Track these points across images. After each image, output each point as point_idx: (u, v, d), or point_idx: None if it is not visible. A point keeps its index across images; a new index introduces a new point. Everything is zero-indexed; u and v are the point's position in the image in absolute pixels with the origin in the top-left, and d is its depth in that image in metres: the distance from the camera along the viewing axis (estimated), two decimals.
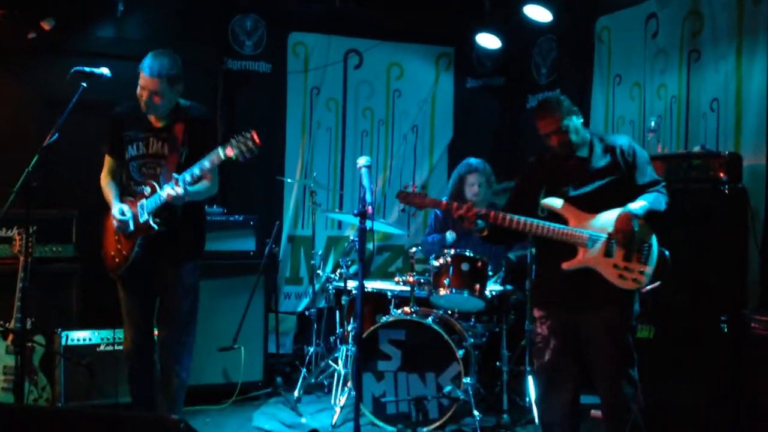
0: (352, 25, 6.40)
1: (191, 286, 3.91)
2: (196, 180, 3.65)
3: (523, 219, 3.48)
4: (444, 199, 3.69)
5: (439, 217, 5.34)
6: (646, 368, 4.12)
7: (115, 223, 3.74)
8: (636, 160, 3.49)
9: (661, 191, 3.47)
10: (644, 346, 4.20)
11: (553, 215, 3.49)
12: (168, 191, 3.59)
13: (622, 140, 3.56)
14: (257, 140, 3.49)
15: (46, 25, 5.20)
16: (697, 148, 4.35)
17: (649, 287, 3.38)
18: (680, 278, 4.08)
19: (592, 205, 3.44)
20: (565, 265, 3.45)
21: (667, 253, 3.42)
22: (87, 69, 3.56)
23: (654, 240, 3.40)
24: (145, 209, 3.70)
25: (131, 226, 3.72)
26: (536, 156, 3.76)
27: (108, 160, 3.94)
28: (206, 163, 3.59)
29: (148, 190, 3.71)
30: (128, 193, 3.84)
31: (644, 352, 4.16)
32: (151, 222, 3.68)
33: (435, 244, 5.13)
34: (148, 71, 3.67)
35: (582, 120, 3.57)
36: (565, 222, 3.46)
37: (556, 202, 3.49)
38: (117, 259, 3.82)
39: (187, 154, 3.77)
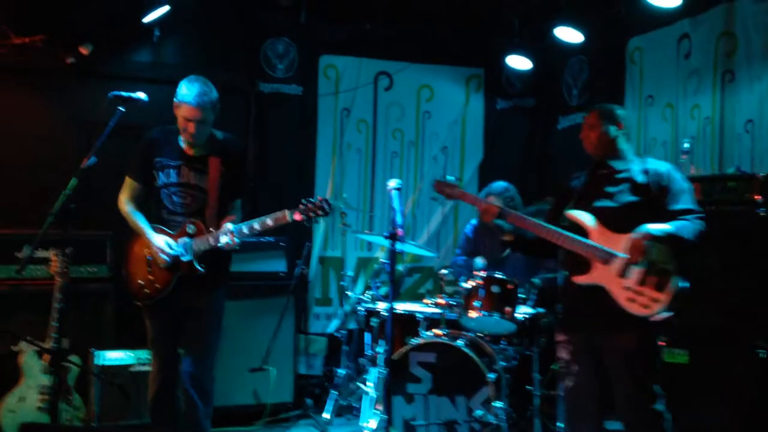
0: (383, 48, 6.45)
1: (219, 312, 3.88)
2: (253, 233, 3.65)
3: (538, 222, 3.46)
4: (472, 194, 3.77)
5: (470, 239, 5.32)
6: (681, 393, 4.07)
7: (162, 256, 3.66)
8: (671, 186, 3.37)
9: (694, 221, 3.30)
10: (680, 370, 4.14)
11: (577, 228, 3.43)
12: (226, 242, 3.59)
13: (662, 166, 3.47)
14: (326, 209, 3.53)
15: (84, 50, 5.32)
16: (731, 170, 4.29)
17: (659, 317, 3.22)
18: (716, 303, 4.02)
19: (618, 222, 3.34)
20: (576, 279, 3.40)
21: (687, 285, 3.25)
22: (125, 94, 3.59)
23: (675, 269, 3.25)
24: (189, 250, 3.67)
25: (171, 261, 3.67)
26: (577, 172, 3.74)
27: (130, 183, 3.85)
28: (269, 221, 3.60)
29: (192, 228, 3.68)
30: (159, 220, 3.80)
31: (679, 377, 4.11)
32: (196, 265, 3.66)
33: (464, 267, 5.11)
34: (195, 101, 3.61)
35: (624, 135, 3.53)
36: (586, 235, 3.39)
37: (581, 215, 3.43)
38: (147, 290, 3.75)
39: (222, 187, 3.76)
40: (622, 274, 3.28)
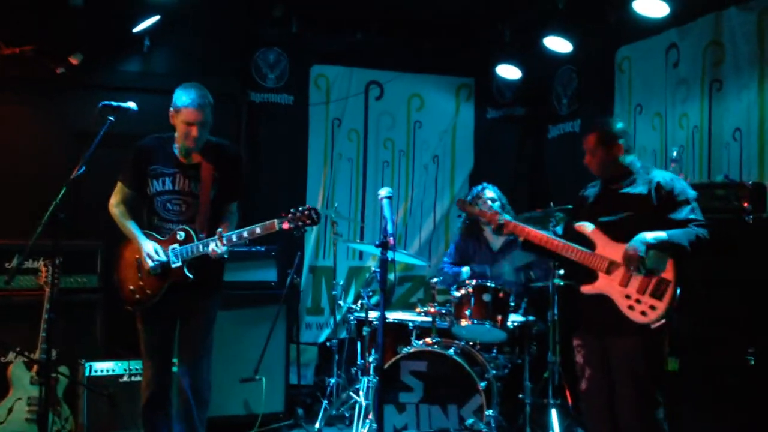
0: (373, 57, 6.48)
1: (213, 318, 3.88)
2: (242, 241, 3.64)
3: (541, 233, 3.56)
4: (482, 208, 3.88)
5: (459, 246, 5.33)
6: (672, 401, 4.07)
7: (149, 262, 3.64)
8: (673, 196, 3.42)
9: (694, 230, 3.33)
10: (670, 378, 4.14)
11: (584, 239, 3.51)
12: (213, 248, 3.58)
13: (663, 175, 3.52)
14: (314, 218, 3.52)
15: (74, 60, 5.32)
16: (720, 178, 4.32)
17: (656, 324, 3.30)
18: (706, 310, 4.04)
19: (621, 234, 3.40)
20: (583, 289, 3.50)
21: (678, 291, 3.32)
22: (114, 103, 3.57)
23: (673, 276, 3.31)
24: (179, 256, 3.65)
25: (160, 269, 3.66)
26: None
27: (122, 189, 3.82)
28: (258, 230, 3.59)
29: (182, 235, 3.66)
30: (151, 227, 3.79)
31: (670, 385, 4.11)
32: (186, 272, 3.65)
33: (450, 275, 5.12)
34: (195, 104, 3.61)
35: (625, 151, 3.54)
36: (593, 247, 3.47)
37: (586, 226, 3.52)
38: (138, 295, 3.73)
39: (215, 193, 3.75)
40: (623, 282, 3.37)
